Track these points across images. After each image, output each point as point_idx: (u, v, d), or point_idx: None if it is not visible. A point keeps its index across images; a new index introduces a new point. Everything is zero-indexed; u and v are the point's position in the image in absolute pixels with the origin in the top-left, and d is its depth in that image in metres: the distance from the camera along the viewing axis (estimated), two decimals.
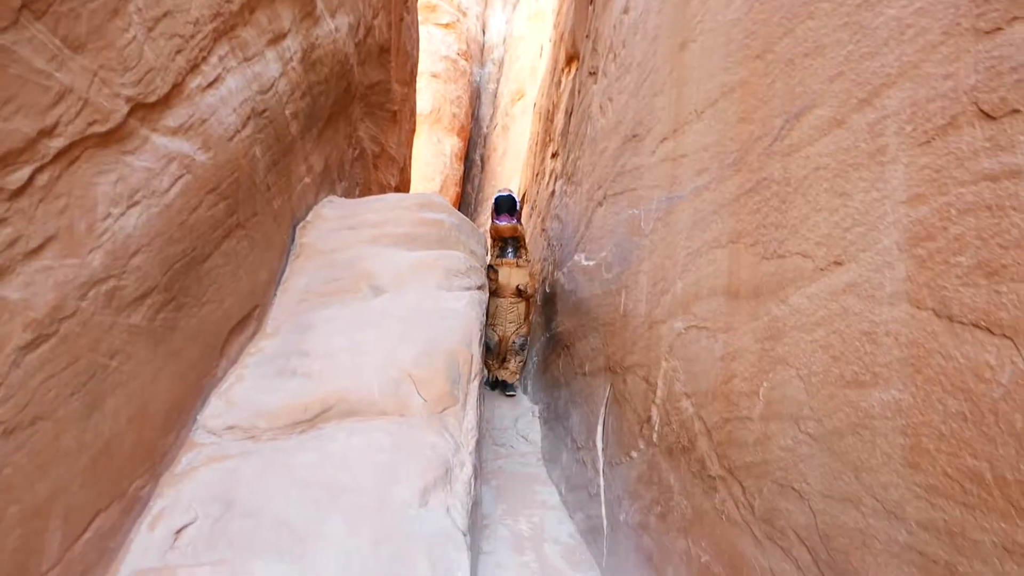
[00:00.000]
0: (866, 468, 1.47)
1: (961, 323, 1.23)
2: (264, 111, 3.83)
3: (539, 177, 9.47)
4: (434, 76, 20.99)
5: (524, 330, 7.74)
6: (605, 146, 4.49)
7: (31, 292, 2.00)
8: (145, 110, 2.54)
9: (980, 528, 1.15)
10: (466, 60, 22.83)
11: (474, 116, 24.46)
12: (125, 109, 2.39)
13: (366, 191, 7.44)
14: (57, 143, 2.05)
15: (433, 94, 20.94)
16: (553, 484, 5.36)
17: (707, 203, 2.55)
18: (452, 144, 22.09)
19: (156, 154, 2.63)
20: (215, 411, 3.47)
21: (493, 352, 7.60)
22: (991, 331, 1.16)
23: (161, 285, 2.75)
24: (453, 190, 21.92)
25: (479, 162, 23.95)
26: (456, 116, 22.15)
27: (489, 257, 7.38)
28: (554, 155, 8.15)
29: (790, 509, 1.78)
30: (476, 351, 4.21)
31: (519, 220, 7.61)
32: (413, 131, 9.81)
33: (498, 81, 23.84)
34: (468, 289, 4.82)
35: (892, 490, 1.38)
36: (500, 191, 7.72)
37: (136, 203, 2.50)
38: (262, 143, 3.85)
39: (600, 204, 4.52)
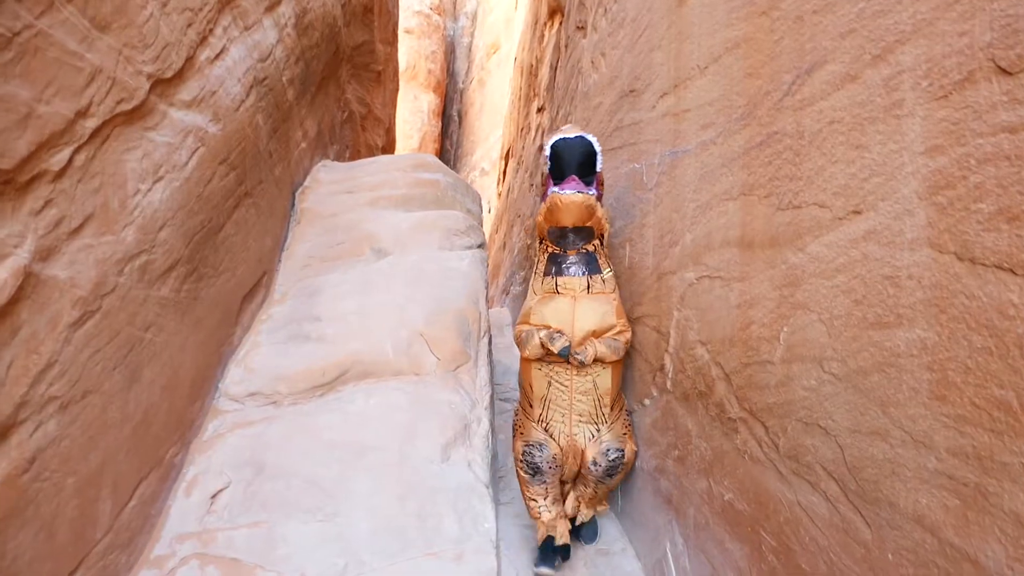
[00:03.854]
0: (893, 403, 1.58)
1: (984, 265, 1.33)
2: (264, 79, 3.85)
3: (524, 132, 9.48)
4: (408, 32, 20.75)
5: (614, 437, 3.47)
6: (599, 101, 4.54)
7: (76, 270, 2.07)
8: (163, 85, 2.58)
9: (1009, 451, 1.26)
10: (439, 14, 22.55)
11: (449, 71, 24.25)
12: (147, 86, 2.43)
13: (355, 153, 7.45)
14: (91, 123, 2.11)
15: (407, 50, 20.73)
16: None
17: (715, 157, 2.63)
18: (429, 100, 21.94)
19: (174, 128, 2.67)
20: (236, 378, 3.56)
21: (546, 477, 3.47)
22: (1014, 272, 1.26)
23: (184, 257, 2.82)
24: (432, 147, 21.84)
25: (456, 118, 23.82)
26: (432, 72, 21.96)
27: (534, 273, 3.81)
28: (540, 110, 8.15)
29: (816, 445, 1.90)
30: (483, 309, 4.31)
31: (600, 190, 3.65)
32: (396, 90, 9.78)
33: (472, 35, 23.59)
34: (469, 248, 4.90)
35: (920, 422, 1.49)
36: (563, 130, 3.68)
37: (160, 178, 2.56)
38: (263, 111, 3.88)
39: None
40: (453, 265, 4.51)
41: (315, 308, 4.07)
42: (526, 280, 7.75)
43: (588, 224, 3.50)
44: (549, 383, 3.49)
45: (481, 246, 5.12)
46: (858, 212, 1.73)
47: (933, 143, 1.47)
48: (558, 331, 3.41)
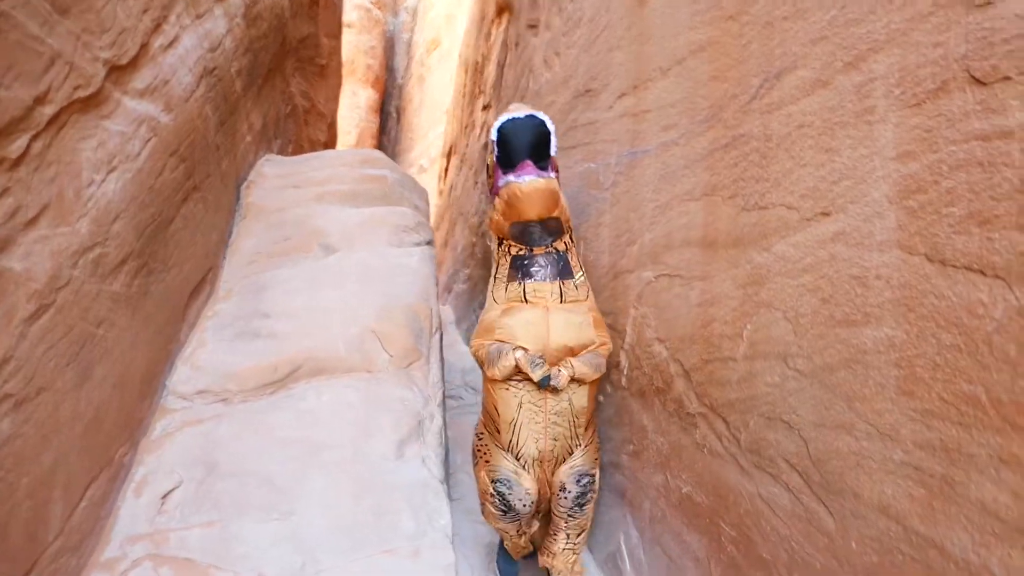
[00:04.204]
0: (859, 398, 1.64)
1: (954, 266, 1.39)
2: (214, 69, 3.77)
3: (468, 129, 9.46)
4: (348, 26, 20.45)
5: (586, 461, 3.04)
6: (552, 100, 4.56)
7: (31, 262, 1.99)
8: (118, 72, 2.51)
9: (976, 444, 1.32)
10: (379, 9, 22.34)
11: (388, 67, 24.01)
12: (103, 72, 2.36)
13: (297, 148, 7.33)
14: (49, 110, 2.03)
15: (347, 45, 20.40)
16: None
17: (676, 158, 2.67)
18: (367, 96, 21.72)
19: (128, 117, 2.60)
20: (183, 376, 3.47)
21: (519, 516, 3.03)
22: (984, 273, 1.32)
23: (136, 251, 2.74)
24: (369, 143, 21.63)
25: (395, 114, 23.62)
26: (371, 67, 21.75)
27: (493, 279, 3.27)
28: (486, 107, 8.14)
29: (779, 439, 1.95)
30: (434, 305, 4.30)
31: (557, 176, 3.23)
32: (340, 85, 9.65)
33: (412, 30, 23.39)
34: (418, 244, 4.87)
35: (887, 416, 1.55)
36: (511, 110, 3.20)
37: (114, 168, 2.48)
38: (212, 102, 3.79)
39: None
40: (403, 262, 4.48)
41: (263, 305, 4.00)
42: (470, 278, 7.73)
43: (555, 214, 3.05)
44: (520, 404, 2.99)
45: (430, 243, 5.09)
46: (826, 214, 1.79)
47: (905, 149, 1.53)
48: (540, 356, 2.95)
